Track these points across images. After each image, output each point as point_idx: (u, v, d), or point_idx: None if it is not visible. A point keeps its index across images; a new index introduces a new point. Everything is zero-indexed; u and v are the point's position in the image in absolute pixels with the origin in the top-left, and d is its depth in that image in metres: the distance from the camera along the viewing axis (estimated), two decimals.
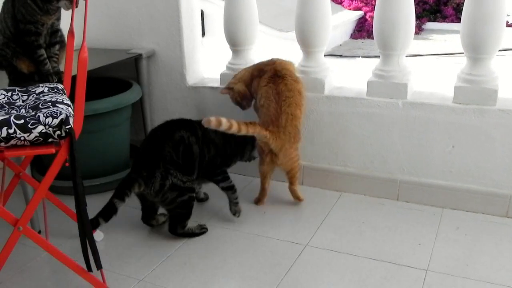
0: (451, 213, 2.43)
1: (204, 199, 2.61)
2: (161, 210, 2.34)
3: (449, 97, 2.38)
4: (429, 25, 8.53)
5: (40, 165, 2.78)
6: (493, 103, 2.29)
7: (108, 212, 2.14)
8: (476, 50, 2.28)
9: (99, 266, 1.82)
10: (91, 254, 1.79)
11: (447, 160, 2.43)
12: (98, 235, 2.25)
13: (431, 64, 6.01)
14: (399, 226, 2.34)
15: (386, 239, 2.25)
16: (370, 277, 2.00)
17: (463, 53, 2.35)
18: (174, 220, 2.28)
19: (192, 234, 2.30)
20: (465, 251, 2.14)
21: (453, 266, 2.04)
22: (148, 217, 2.36)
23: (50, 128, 1.62)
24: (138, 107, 2.96)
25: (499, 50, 2.31)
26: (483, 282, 1.94)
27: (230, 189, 2.38)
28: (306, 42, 2.57)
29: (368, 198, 2.57)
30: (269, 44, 6.07)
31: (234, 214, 2.40)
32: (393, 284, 1.95)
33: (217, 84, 2.84)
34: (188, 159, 2.25)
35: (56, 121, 1.63)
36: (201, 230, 2.32)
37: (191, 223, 2.30)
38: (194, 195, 2.29)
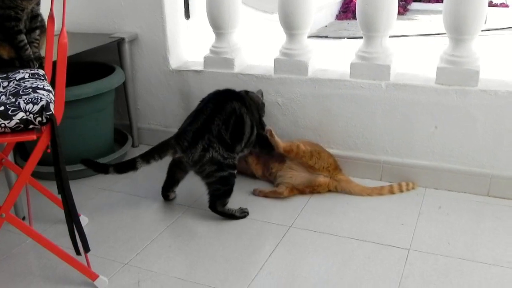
0: (433, 193, 2.46)
1: None
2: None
3: (432, 78, 2.40)
4: (415, 5, 8.54)
5: (23, 151, 2.77)
6: (475, 84, 2.30)
7: (125, 166, 2.20)
8: (458, 31, 2.29)
9: (87, 249, 1.83)
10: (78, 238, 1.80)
11: (430, 140, 2.45)
12: (82, 220, 2.25)
13: (417, 44, 6.02)
14: (382, 206, 2.36)
15: (370, 219, 2.27)
16: (353, 257, 2.02)
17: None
18: (214, 196, 2.28)
19: (231, 216, 2.30)
20: (447, 230, 2.17)
21: (435, 245, 2.08)
22: (167, 189, 2.44)
23: (31, 115, 1.61)
24: (122, 91, 2.95)
25: (482, 31, 2.32)
26: (465, 260, 1.98)
27: None
28: (289, 24, 2.56)
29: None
30: (254, 27, 6.03)
31: None
32: (376, 264, 1.98)
33: (200, 67, 2.82)
34: (238, 131, 2.30)
35: (36, 108, 1.62)
36: (242, 214, 2.32)
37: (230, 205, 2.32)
38: (235, 172, 2.29)
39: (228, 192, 2.28)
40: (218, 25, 2.70)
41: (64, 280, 1.92)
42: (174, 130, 2.93)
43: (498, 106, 2.29)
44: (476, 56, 2.32)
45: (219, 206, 2.28)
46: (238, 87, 2.69)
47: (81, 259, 1.89)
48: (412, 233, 2.16)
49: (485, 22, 2.36)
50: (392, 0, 2.37)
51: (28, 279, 1.95)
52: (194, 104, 2.84)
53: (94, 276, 1.87)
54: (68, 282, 1.91)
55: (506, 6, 8.37)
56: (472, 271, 1.92)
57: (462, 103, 2.34)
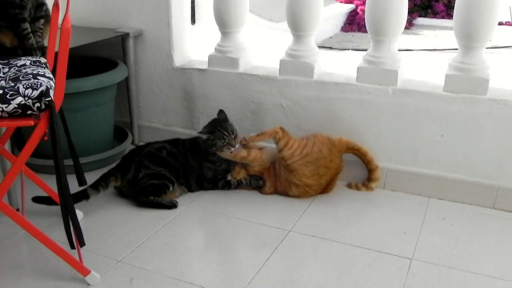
0: (437, 203, 2.40)
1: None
2: None
3: (440, 86, 2.35)
4: (420, 20, 8.50)
5: (22, 143, 2.71)
6: (483, 92, 2.26)
7: (77, 195, 2.23)
8: (468, 38, 2.24)
9: (82, 243, 1.77)
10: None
11: (436, 149, 2.40)
12: (77, 214, 2.18)
13: (421, 59, 5.98)
14: (385, 214, 2.31)
15: (372, 227, 2.22)
16: (354, 264, 1.97)
17: (452, 49, 2.32)
18: (141, 191, 2.34)
19: (157, 204, 2.32)
20: (450, 241, 2.12)
21: (438, 255, 2.02)
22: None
23: (30, 100, 1.57)
24: (124, 88, 2.90)
25: (488, 48, 2.28)
26: (468, 272, 1.92)
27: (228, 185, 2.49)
28: (296, 25, 2.52)
29: None
30: (260, 34, 6.01)
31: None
32: (377, 272, 1.92)
33: (205, 66, 2.78)
34: (170, 161, 2.40)
35: (36, 93, 1.58)
36: (169, 203, 2.34)
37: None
38: (170, 186, 2.35)
39: (152, 193, 2.34)
40: (225, 23, 2.66)
41: (55, 274, 1.86)
42: (175, 129, 2.92)
43: (506, 116, 2.24)
44: (486, 65, 2.28)
45: (141, 197, 2.34)
46: (242, 87, 2.66)
47: (74, 253, 1.83)
48: (415, 243, 2.10)
49: (491, 40, 2.32)
50: (401, 4, 2.33)
51: (17, 272, 1.89)
52: (197, 103, 2.82)
53: (86, 272, 1.81)
54: (59, 276, 1.85)
55: (511, 24, 8.35)
56: (475, 283, 1.86)
57: (470, 111, 2.29)
